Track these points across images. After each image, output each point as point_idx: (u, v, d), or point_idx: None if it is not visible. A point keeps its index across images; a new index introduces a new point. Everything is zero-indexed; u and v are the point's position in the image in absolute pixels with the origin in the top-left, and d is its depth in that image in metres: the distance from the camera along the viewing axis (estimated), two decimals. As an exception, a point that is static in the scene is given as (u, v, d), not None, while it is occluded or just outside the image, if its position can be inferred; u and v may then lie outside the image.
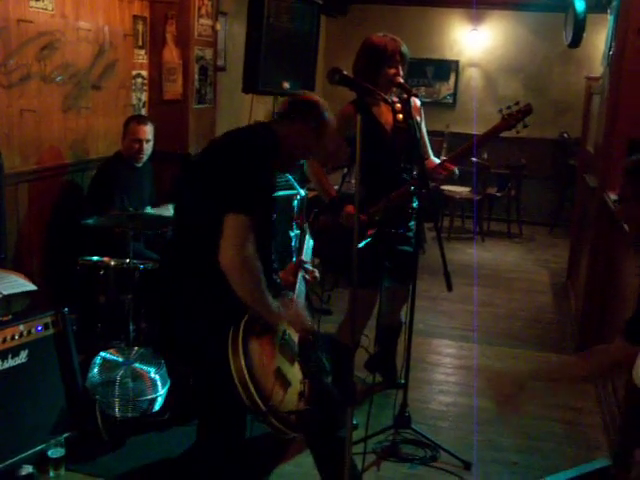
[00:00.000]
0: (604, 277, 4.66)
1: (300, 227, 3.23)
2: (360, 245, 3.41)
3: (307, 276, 2.93)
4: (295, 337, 2.67)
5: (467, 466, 3.42)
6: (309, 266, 2.96)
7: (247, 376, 2.30)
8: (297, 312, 2.68)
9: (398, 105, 3.64)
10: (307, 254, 3.03)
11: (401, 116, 3.64)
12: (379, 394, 3.99)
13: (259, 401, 2.30)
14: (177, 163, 5.07)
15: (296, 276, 2.90)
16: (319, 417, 2.65)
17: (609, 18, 5.70)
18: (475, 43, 9.50)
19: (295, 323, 2.63)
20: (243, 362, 2.31)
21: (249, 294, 2.42)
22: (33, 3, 3.85)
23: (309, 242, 3.11)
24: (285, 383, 2.47)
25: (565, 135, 9.07)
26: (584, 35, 6.91)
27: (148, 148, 4.27)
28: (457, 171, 3.53)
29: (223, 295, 2.40)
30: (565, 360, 2.35)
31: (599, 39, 7.72)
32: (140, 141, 4.21)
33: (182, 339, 2.63)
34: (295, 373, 2.56)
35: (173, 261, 2.66)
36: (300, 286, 2.85)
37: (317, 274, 2.98)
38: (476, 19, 9.37)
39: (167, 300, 2.64)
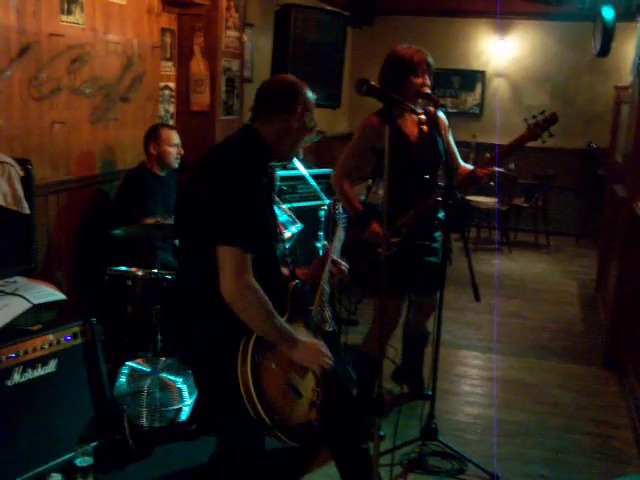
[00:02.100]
0: (633, 288, 4.60)
1: (334, 219, 3.18)
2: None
3: (334, 270, 2.83)
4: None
5: (494, 478, 3.39)
6: (337, 259, 2.88)
7: (253, 389, 2.27)
8: (314, 342, 2.53)
9: (423, 117, 3.64)
10: (337, 249, 2.97)
11: (426, 128, 3.64)
12: (406, 405, 3.98)
13: (264, 415, 2.28)
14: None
15: (323, 269, 2.82)
16: (343, 428, 2.63)
17: (638, 26, 5.65)
18: (502, 53, 9.48)
19: (310, 355, 2.48)
20: (250, 374, 2.28)
21: (256, 324, 2.35)
22: (64, 17, 3.91)
23: (340, 238, 3.05)
24: (295, 395, 2.45)
25: (593, 145, 8.99)
26: (613, 44, 6.85)
27: (180, 152, 4.38)
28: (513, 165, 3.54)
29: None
30: None
31: (628, 48, 7.66)
32: (176, 145, 4.33)
33: (194, 349, 2.54)
34: (307, 383, 2.53)
35: (184, 273, 2.61)
36: (326, 280, 2.79)
37: (345, 267, 2.88)
38: (502, 29, 9.34)
39: (180, 311, 2.57)
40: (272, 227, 2.63)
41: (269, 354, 2.41)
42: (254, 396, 2.28)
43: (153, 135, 4.31)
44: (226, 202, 2.35)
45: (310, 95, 2.58)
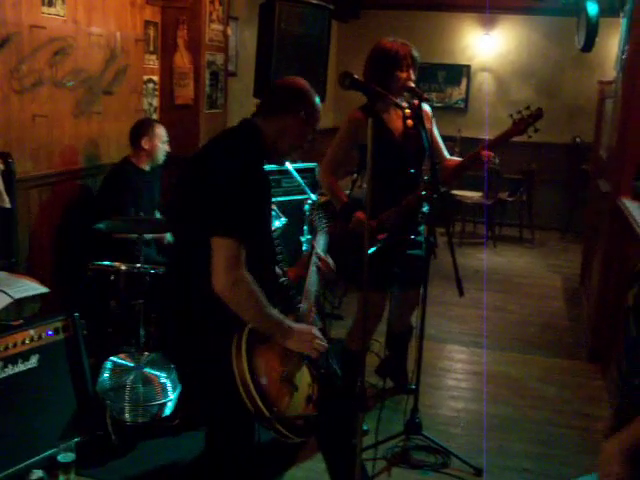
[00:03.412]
0: (616, 283, 4.63)
1: (312, 223, 3.19)
2: (370, 251, 3.38)
3: (320, 264, 2.82)
4: None
5: (478, 472, 3.39)
6: (322, 254, 2.86)
7: (250, 382, 2.28)
8: (308, 327, 2.54)
9: (408, 111, 3.63)
10: (320, 248, 2.97)
11: (411, 122, 3.63)
12: (390, 400, 3.98)
13: (263, 407, 2.28)
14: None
15: (308, 268, 2.82)
16: (332, 422, 2.62)
17: (622, 22, 5.67)
18: (487, 48, 9.49)
19: (305, 342, 2.48)
20: (246, 367, 2.28)
21: (249, 316, 2.36)
22: (45, 9, 3.87)
23: (322, 236, 3.05)
24: (291, 388, 2.45)
25: (578, 140, 9.02)
26: (597, 39, 6.87)
27: (168, 148, 4.40)
28: (497, 160, 3.58)
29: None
30: None
31: (612, 43, 7.68)
32: (166, 142, 4.34)
33: (187, 344, 2.53)
34: (303, 377, 2.53)
35: (176, 268, 2.60)
36: (312, 278, 2.78)
37: (331, 261, 2.87)
38: (488, 24, 9.35)
39: (173, 305, 2.57)
40: (269, 223, 2.62)
41: (262, 347, 2.40)
42: (252, 389, 2.28)
43: (146, 129, 4.27)
44: (223, 193, 2.34)
45: (317, 106, 2.58)
